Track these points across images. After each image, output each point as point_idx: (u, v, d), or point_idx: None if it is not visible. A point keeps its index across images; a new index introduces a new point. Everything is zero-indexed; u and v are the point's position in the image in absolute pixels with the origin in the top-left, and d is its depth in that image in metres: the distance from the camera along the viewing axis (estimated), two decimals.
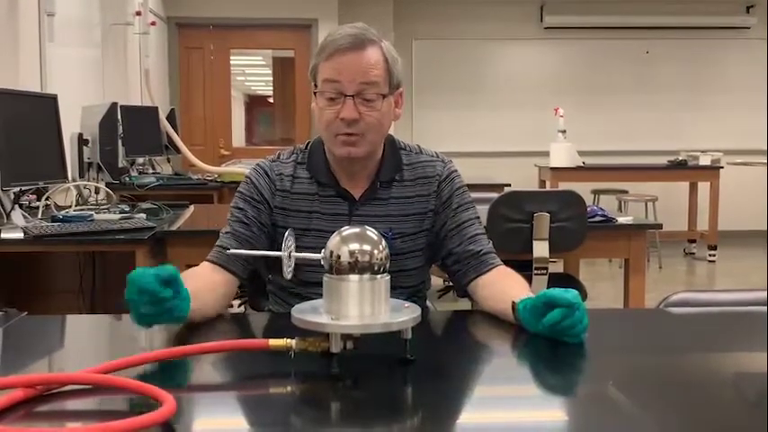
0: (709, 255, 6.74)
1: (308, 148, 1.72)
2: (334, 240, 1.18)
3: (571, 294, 1.28)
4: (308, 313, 1.17)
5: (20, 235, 2.62)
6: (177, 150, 5.34)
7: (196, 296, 1.34)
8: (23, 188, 2.88)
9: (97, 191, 3.59)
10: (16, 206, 2.79)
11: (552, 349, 1.30)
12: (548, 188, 6.37)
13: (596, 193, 6.95)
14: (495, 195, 3.16)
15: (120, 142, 4.18)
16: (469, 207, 1.71)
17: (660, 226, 3.51)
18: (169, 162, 5.69)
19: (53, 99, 3.08)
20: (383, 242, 1.19)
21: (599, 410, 1.07)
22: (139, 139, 4.70)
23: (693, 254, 7.07)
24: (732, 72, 7.92)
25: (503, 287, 1.54)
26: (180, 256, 2.74)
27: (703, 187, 6.86)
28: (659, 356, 1.33)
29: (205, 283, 1.49)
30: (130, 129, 4.44)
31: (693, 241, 7.11)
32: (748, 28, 7.88)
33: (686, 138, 7.70)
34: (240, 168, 4.66)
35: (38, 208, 3.04)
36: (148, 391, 1.02)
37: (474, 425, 1.05)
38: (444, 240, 1.69)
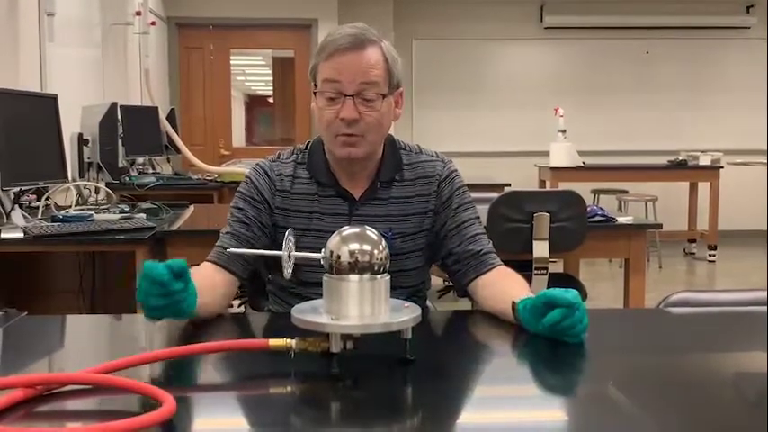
0: (709, 255, 6.74)
1: (308, 148, 1.72)
2: (334, 240, 1.18)
3: (571, 294, 1.28)
4: (308, 313, 1.17)
5: (20, 235, 2.62)
6: (177, 150, 5.34)
7: (198, 294, 1.34)
8: (23, 188, 2.88)
9: (97, 191, 3.59)
10: (16, 206, 2.79)
11: (552, 349, 1.30)
12: (548, 188, 6.37)
13: (596, 193, 6.95)
14: (495, 195, 3.16)
15: (120, 142, 4.18)
16: (469, 207, 1.71)
17: (660, 226, 3.51)
18: (169, 162, 5.69)
19: (53, 99, 3.08)
20: (383, 242, 1.19)
21: (599, 410, 1.07)
22: (139, 139, 4.70)
23: (693, 254, 7.08)
24: (732, 72, 7.92)
25: (503, 287, 1.54)
26: (180, 257, 2.70)
27: (703, 187, 6.86)
28: (659, 356, 1.33)
29: (206, 283, 1.48)
30: (130, 129, 4.44)
31: (693, 241, 7.11)
32: (748, 28, 7.88)
33: (686, 138, 7.70)
34: (240, 168, 4.66)
35: (38, 208, 3.04)
36: (148, 391, 1.02)
37: (474, 425, 1.05)
38: (444, 240, 1.69)
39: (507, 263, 1.67)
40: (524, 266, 2.62)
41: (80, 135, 3.58)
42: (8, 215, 2.75)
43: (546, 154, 6.63)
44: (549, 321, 1.29)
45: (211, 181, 4.72)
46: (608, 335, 1.46)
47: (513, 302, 1.41)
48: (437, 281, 2.52)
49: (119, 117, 4.17)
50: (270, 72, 8.11)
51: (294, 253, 1.25)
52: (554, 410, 1.12)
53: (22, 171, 2.80)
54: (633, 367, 1.27)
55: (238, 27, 7.41)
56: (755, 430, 0.98)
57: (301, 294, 1.58)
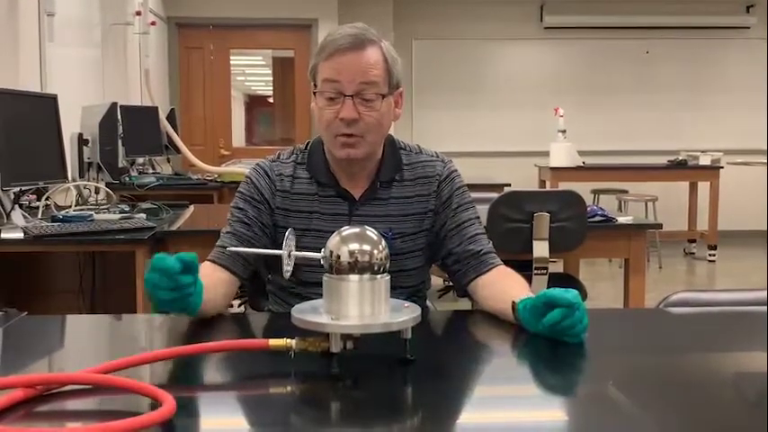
0: (709, 255, 6.74)
1: (308, 148, 1.72)
2: (334, 240, 1.18)
3: (571, 294, 1.28)
4: (308, 313, 1.17)
5: (20, 235, 2.62)
6: (177, 150, 5.34)
7: None
8: (23, 188, 2.88)
9: (97, 191, 3.59)
10: (16, 206, 2.79)
11: (552, 349, 1.30)
12: (548, 188, 6.37)
13: (596, 192, 6.95)
14: (495, 195, 3.16)
15: (120, 142, 4.18)
16: (469, 207, 1.71)
17: (660, 226, 3.51)
18: (169, 162, 5.69)
19: (53, 99, 3.08)
20: (383, 242, 1.19)
21: (599, 410, 1.07)
22: (139, 139, 4.70)
23: (693, 254, 7.08)
24: (732, 72, 7.92)
25: (503, 287, 1.54)
26: None
27: (703, 187, 6.86)
28: (659, 356, 1.33)
29: (206, 282, 1.48)
30: (130, 129, 4.44)
31: (693, 241, 7.11)
32: (748, 28, 7.88)
33: (686, 138, 7.70)
34: (240, 168, 4.66)
35: (38, 208, 3.04)
36: (148, 391, 1.02)
37: (474, 425, 1.05)
38: (444, 240, 1.69)
39: (507, 263, 1.67)
40: (524, 266, 2.62)
41: (80, 135, 3.58)
42: (8, 215, 2.75)
43: (546, 154, 6.63)
44: (549, 321, 1.29)
45: (211, 181, 4.73)
46: (608, 335, 1.46)
47: (513, 302, 1.41)
48: (437, 281, 2.52)
49: (119, 117, 4.17)
50: (270, 72, 8.11)
51: (294, 252, 1.25)
52: (554, 410, 1.12)
53: (22, 171, 2.80)
54: (633, 367, 1.27)
55: (238, 27, 7.41)
56: (755, 430, 0.98)
57: (301, 294, 1.58)
